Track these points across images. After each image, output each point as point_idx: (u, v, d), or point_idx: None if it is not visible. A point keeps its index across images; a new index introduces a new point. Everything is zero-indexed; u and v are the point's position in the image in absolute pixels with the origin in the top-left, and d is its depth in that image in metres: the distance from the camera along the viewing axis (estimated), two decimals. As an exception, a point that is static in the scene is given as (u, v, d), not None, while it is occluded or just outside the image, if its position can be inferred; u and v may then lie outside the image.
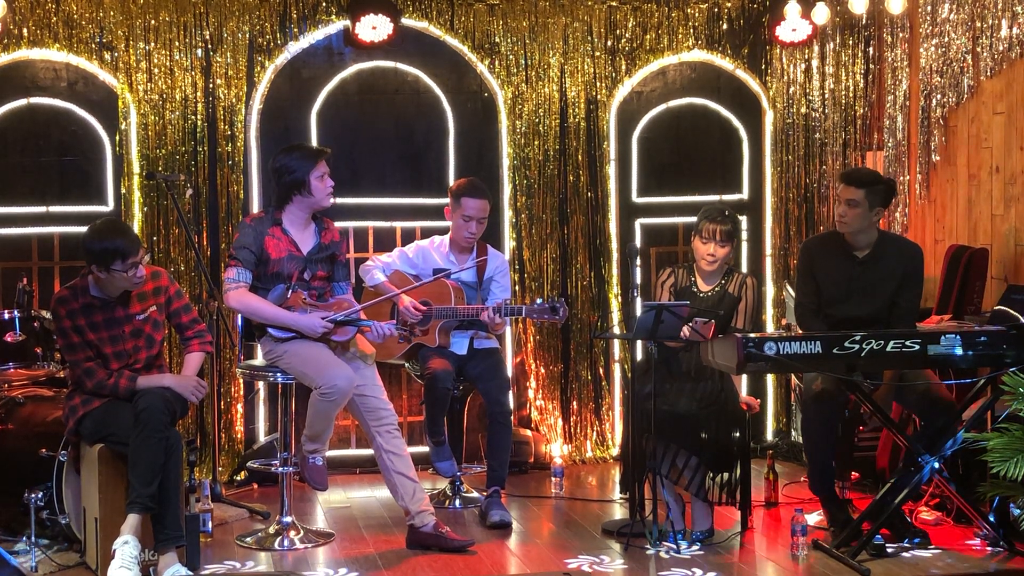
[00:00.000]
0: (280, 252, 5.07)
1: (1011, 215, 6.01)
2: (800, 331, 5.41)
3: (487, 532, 5.37)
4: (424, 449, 5.89)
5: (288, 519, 5.27)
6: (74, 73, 6.31)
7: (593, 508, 5.84)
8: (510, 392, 5.78)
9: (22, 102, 6.27)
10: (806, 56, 7.02)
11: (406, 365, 6.02)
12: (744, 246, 7.03)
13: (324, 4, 6.50)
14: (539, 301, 5.50)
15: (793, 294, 6.00)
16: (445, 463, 5.75)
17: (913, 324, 5.24)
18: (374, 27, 6.39)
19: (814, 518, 5.37)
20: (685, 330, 5.16)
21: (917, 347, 4.72)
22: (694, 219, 5.42)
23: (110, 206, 6.33)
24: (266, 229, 5.09)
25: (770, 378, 7.03)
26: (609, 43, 6.84)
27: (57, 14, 6.19)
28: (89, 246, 4.66)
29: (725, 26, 6.96)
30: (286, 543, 5.17)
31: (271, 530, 5.29)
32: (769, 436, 7.05)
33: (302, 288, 5.09)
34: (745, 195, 7.12)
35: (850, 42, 6.99)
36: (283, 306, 5.04)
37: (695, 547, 5.07)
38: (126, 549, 4.44)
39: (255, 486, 6.32)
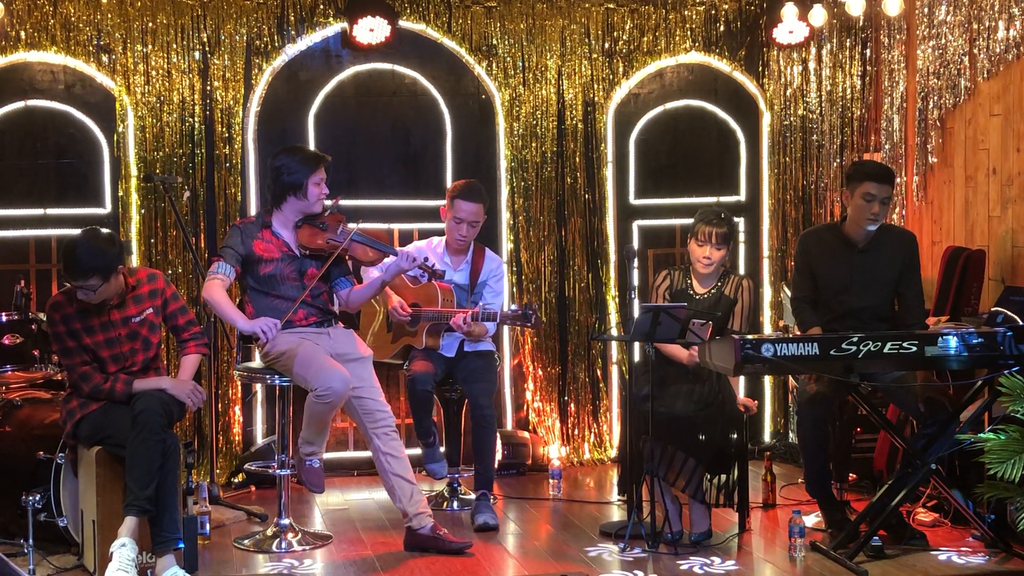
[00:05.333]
0: (272, 253, 5.08)
1: (1008, 216, 6.01)
2: (797, 327, 5.43)
3: (483, 534, 5.37)
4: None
5: (286, 521, 5.27)
6: (71, 75, 6.30)
7: (591, 510, 5.84)
8: (492, 395, 5.63)
9: (19, 104, 6.26)
10: (803, 58, 7.02)
11: (404, 366, 6.00)
12: (741, 248, 7.03)
13: (321, 6, 6.50)
14: (514, 307, 5.49)
15: (790, 294, 6.00)
16: (435, 464, 5.73)
17: (923, 310, 5.31)
18: (371, 29, 6.39)
19: (812, 520, 5.37)
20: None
21: (914, 348, 4.72)
22: (691, 221, 5.42)
23: (107, 208, 6.33)
24: (255, 233, 5.11)
25: (768, 380, 7.03)
26: (606, 45, 6.84)
27: (55, 17, 6.18)
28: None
29: (722, 28, 6.96)
30: (284, 545, 5.17)
31: (269, 532, 5.29)
32: (767, 438, 7.05)
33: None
34: (742, 197, 7.12)
35: (847, 44, 6.99)
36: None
37: (692, 549, 5.07)
38: (124, 551, 4.43)
39: (253, 488, 6.31)
